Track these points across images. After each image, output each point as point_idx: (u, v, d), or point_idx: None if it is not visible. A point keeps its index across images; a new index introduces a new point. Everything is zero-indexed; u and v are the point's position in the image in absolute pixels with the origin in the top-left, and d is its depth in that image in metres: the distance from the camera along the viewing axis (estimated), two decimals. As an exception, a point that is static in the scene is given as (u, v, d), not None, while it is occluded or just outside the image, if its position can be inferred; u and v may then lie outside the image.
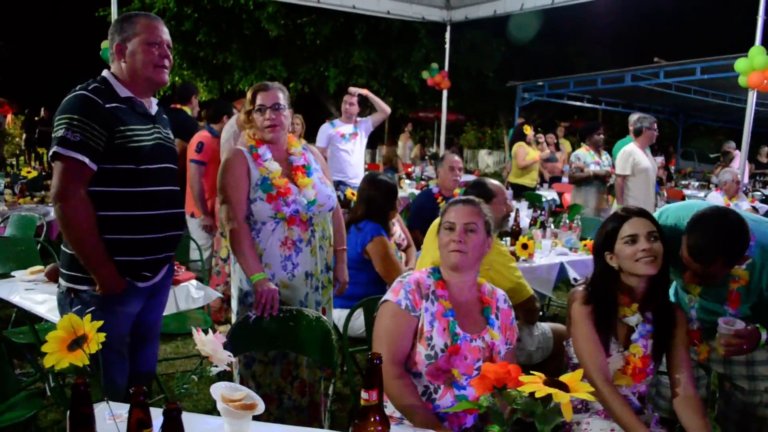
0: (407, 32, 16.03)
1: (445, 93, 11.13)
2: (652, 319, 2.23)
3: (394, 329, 2.09)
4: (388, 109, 6.42)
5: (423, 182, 9.57)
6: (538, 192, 9.00)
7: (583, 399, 2.14)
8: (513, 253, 3.96)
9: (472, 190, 3.42)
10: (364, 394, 1.36)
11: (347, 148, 6.22)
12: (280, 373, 2.81)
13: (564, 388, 1.32)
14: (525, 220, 5.58)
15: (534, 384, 1.32)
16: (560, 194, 9.52)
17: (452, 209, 2.24)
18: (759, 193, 9.30)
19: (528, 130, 9.01)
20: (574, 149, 8.23)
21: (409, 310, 2.10)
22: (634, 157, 6.34)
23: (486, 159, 25.89)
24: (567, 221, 5.09)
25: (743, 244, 2.15)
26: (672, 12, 20.30)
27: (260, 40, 16.35)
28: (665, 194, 10.46)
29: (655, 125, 6.53)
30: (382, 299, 2.19)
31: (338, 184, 5.91)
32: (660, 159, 13.33)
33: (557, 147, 11.46)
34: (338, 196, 5.63)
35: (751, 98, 8.54)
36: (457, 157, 5.25)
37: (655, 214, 2.42)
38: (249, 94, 2.82)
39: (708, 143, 19.95)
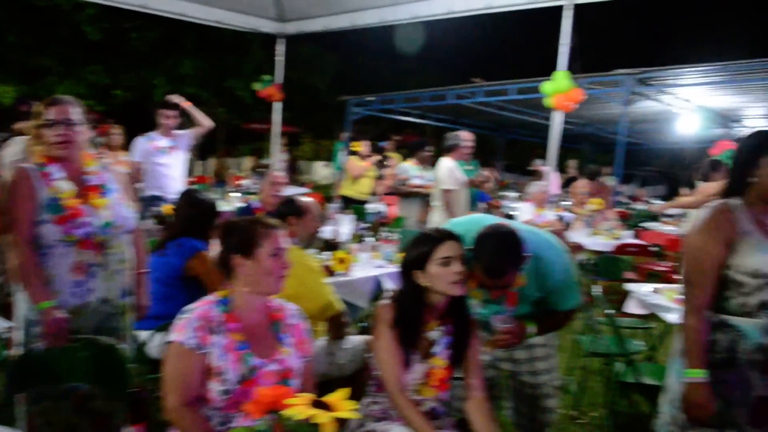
0: (240, 42, 15.80)
1: (278, 105, 11.07)
2: (452, 330, 2.37)
3: (182, 371, 1.99)
4: (208, 123, 6.24)
5: (249, 196, 9.44)
6: (369, 204, 9.20)
7: (385, 407, 2.31)
8: (328, 268, 4.02)
9: (283, 207, 3.43)
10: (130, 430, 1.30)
11: (165, 162, 5.97)
12: (72, 408, 2.62)
13: (328, 408, 1.36)
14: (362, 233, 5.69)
15: (298, 406, 1.34)
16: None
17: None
18: (566, 203, 10.19)
19: (358, 147, 9.18)
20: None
21: (196, 349, 2.00)
22: (455, 172, 6.69)
23: (322, 171, 26.10)
24: (388, 234, 5.26)
25: (522, 254, 2.36)
26: (492, 36, 21.75)
27: (79, 43, 15.33)
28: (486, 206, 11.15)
29: (468, 142, 6.91)
30: (168, 339, 2.06)
31: (155, 200, 5.66)
32: (486, 173, 14.21)
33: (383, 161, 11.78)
34: (156, 212, 5.44)
35: (556, 117, 9.38)
36: (280, 172, 5.23)
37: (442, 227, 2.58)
38: (38, 108, 2.63)
39: (528, 157, 21.67)
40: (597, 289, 4.13)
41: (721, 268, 2.27)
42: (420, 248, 2.31)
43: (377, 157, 10.43)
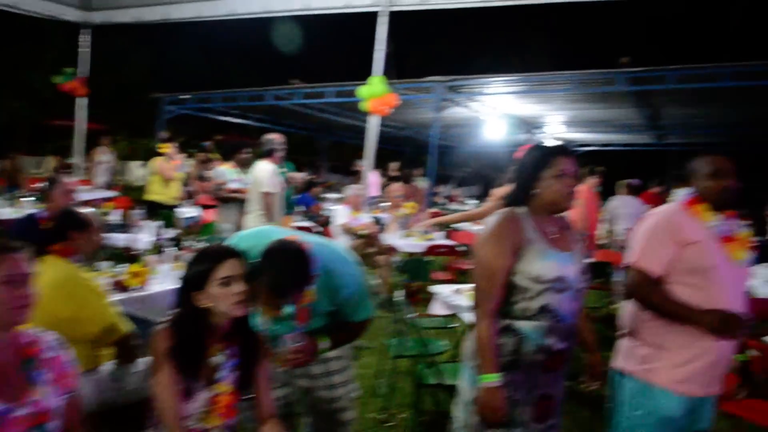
0: (38, 30, 14.38)
1: (82, 100, 10.22)
2: (237, 352, 2.23)
3: None
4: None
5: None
6: (182, 209, 8.74)
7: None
8: (121, 283, 3.71)
9: (62, 220, 3.08)
10: None
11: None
12: None
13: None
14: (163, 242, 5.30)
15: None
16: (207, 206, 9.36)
17: None
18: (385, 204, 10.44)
19: (166, 148, 8.67)
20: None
21: None
22: (275, 175, 6.51)
23: (137, 171, 24.53)
24: (192, 243, 4.98)
25: (310, 271, 2.28)
26: (313, 38, 21.77)
27: None
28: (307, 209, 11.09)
29: (282, 145, 6.76)
30: None
31: None
32: (302, 174, 14.17)
33: (206, 161, 11.34)
34: None
35: (373, 120, 9.56)
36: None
37: (232, 242, 2.44)
38: None
39: (353, 158, 22.02)
40: (400, 294, 4.19)
41: (508, 275, 2.37)
42: (198, 267, 2.14)
43: (194, 158, 9.98)
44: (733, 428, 4.07)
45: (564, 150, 2.48)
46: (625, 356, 2.67)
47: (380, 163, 16.78)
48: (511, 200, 2.52)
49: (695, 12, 20.68)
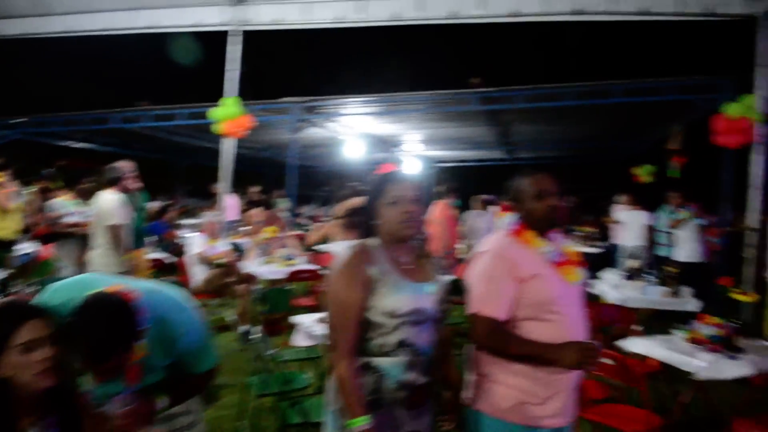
0: None
1: None
2: (55, 423, 1.91)
3: None
4: None
5: None
6: (19, 245, 7.90)
7: None
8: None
9: None
10: None
11: None
12: None
13: None
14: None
15: None
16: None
17: None
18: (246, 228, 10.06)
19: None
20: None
21: None
22: (122, 205, 6.01)
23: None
24: (23, 287, 4.44)
25: (135, 326, 2.01)
26: (162, 58, 20.89)
27: None
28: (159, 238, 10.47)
29: (131, 172, 6.29)
30: None
31: None
32: (157, 203, 13.46)
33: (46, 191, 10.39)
34: None
35: (228, 143, 9.23)
36: None
37: (45, 295, 2.13)
38: None
39: (211, 182, 21.23)
40: (257, 327, 3.96)
41: (362, 311, 2.24)
42: None
43: (21, 189, 9.07)
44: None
45: (396, 176, 2.37)
46: (475, 392, 2.51)
47: (241, 186, 16.33)
48: (362, 232, 2.40)
49: (542, 35, 22.05)
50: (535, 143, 15.07)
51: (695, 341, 4.08)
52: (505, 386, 2.40)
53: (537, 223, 2.51)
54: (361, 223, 2.42)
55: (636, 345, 4.30)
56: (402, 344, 2.25)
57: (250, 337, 3.90)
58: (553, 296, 2.41)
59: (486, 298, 2.41)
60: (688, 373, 3.85)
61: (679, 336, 4.27)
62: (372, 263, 2.27)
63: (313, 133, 12.20)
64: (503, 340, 2.39)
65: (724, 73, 7.94)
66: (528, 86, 8.72)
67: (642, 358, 4.30)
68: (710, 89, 8.17)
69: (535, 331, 2.40)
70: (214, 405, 5.03)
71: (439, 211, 8.95)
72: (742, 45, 7.62)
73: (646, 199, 10.29)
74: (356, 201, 5.22)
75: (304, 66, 26.85)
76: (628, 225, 10.03)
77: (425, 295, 2.32)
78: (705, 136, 7.61)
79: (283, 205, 10.40)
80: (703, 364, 3.76)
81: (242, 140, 13.91)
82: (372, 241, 2.35)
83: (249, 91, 9.27)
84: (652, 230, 9.60)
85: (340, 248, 2.48)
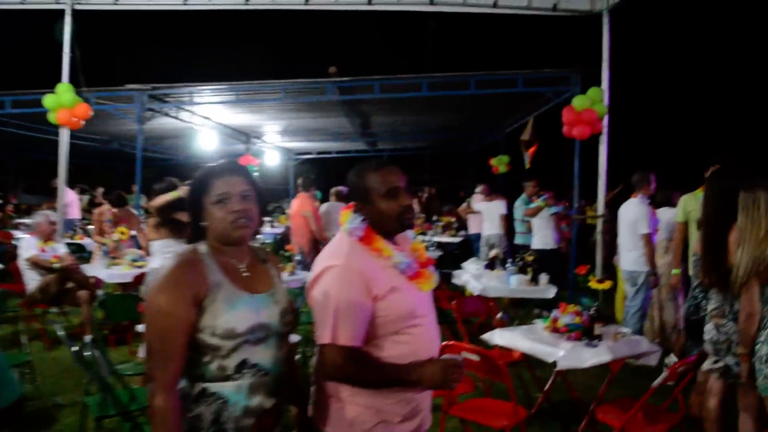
0: None
1: None
2: None
3: None
4: None
5: None
6: None
7: None
8: None
9: None
10: None
11: None
12: None
13: None
14: None
15: None
16: None
17: None
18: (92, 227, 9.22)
19: None
20: None
21: None
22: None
23: None
24: None
25: None
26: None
27: None
28: None
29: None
30: None
31: None
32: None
33: None
34: None
35: (64, 134, 8.35)
36: None
37: None
38: None
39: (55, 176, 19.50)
40: (90, 338, 3.48)
41: (192, 332, 1.88)
42: None
43: None
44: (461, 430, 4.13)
45: (222, 169, 2.04)
46: (325, 413, 2.20)
47: (89, 181, 15.10)
48: (191, 236, 2.06)
49: (397, 26, 22.23)
50: (394, 134, 15.12)
51: (555, 330, 4.09)
52: (361, 407, 2.12)
53: (386, 226, 2.20)
54: (177, 224, 2.09)
55: (499, 337, 4.26)
56: (244, 365, 1.93)
57: (86, 350, 3.41)
58: (411, 309, 2.15)
59: (340, 326, 2.05)
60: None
61: (540, 326, 4.28)
62: (202, 273, 1.93)
63: (165, 123, 11.42)
64: (359, 370, 2.08)
65: (573, 67, 8.25)
66: (384, 76, 8.60)
67: (506, 350, 4.28)
68: (560, 82, 8.47)
69: (393, 348, 2.13)
70: (49, 429, 4.48)
71: (300, 204, 8.67)
72: (590, 40, 7.95)
73: (503, 189, 10.59)
74: (167, 197, 4.77)
75: (155, 52, 25.35)
76: (486, 214, 10.23)
77: (267, 308, 2.01)
78: (557, 127, 7.88)
79: (133, 201, 9.63)
80: (563, 353, 3.76)
81: (86, 131, 12.86)
82: (201, 247, 2.01)
83: (82, 78, 8.41)
84: (508, 219, 9.86)
85: (156, 249, 2.11)
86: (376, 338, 2.11)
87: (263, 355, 1.97)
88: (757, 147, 17.39)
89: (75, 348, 3.46)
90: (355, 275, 2.06)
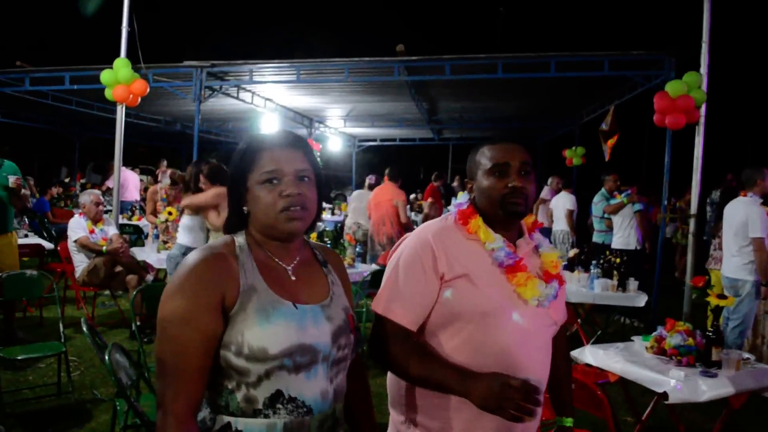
0: None
1: None
2: None
3: None
4: None
5: None
6: None
7: None
8: None
9: None
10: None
11: None
12: None
13: None
14: None
15: None
16: None
17: None
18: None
19: None
20: None
21: None
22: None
23: None
24: None
25: None
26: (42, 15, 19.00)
27: None
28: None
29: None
30: None
31: None
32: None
33: None
34: None
35: (120, 111, 8.04)
36: None
37: None
38: None
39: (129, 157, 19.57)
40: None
41: (212, 348, 1.42)
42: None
43: None
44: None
45: (275, 139, 1.56)
46: None
47: (157, 163, 15.01)
48: (227, 225, 1.59)
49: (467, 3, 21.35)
50: (461, 121, 14.46)
51: (661, 352, 3.41)
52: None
53: (489, 209, 1.81)
54: (230, 210, 1.58)
55: (591, 356, 3.60)
56: (278, 398, 1.44)
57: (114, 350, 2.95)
58: (488, 309, 1.72)
59: (394, 298, 1.77)
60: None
61: (639, 344, 3.61)
62: (231, 272, 1.45)
63: (225, 104, 11.10)
64: (406, 354, 1.73)
65: (667, 49, 7.41)
66: (456, 56, 7.94)
67: (599, 370, 3.61)
68: (651, 66, 7.65)
69: (456, 353, 1.74)
70: (81, 428, 4.11)
71: (389, 193, 8.17)
72: (687, 20, 7.09)
73: (579, 182, 9.85)
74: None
75: (216, 34, 25.27)
76: (556, 209, 9.56)
77: (316, 324, 1.50)
78: (641, 116, 7.11)
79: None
80: (677, 384, 3.08)
81: (147, 110, 12.70)
82: (238, 238, 1.54)
83: (153, 55, 8.12)
84: (577, 215, 9.17)
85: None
86: (435, 334, 1.78)
87: (306, 388, 1.46)
88: None
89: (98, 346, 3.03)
90: (425, 247, 1.76)
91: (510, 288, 1.76)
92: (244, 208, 1.52)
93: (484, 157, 1.82)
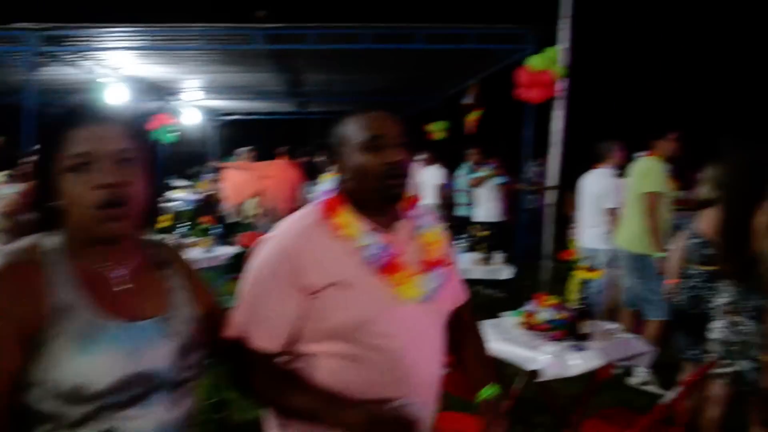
0: None
1: None
2: None
3: None
4: None
5: None
6: None
7: None
8: None
9: None
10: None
11: None
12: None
13: None
14: None
15: None
16: None
17: None
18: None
19: None
20: None
21: None
22: None
23: None
24: None
25: None
26: None
27: None
28: None
29: None
30: None
31: None
32: None
33: None
34: None
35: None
36: None
37: None
38: None
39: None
40: None
41: (14, 390, 1.09)
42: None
43: None
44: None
45: (84, 114, 1.22)
46: None
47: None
48: (31, 224, 1.22)
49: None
50: (327, 94, 14.15)
51: (532, 327, 3.36)
52: None
53: (363, 192, 1.57)
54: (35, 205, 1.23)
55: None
56: None
57: None
58: (363, 318, 1.50)
59: (250, 320, 1.53)
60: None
61: (510, 321, 3.54)
62: (36, 289, 1.11)
63: (67, 73, 10.06)
64: (271, 383, 1.52)
65: (530, 24, 7.51)
66: (320, 24, 7.61)
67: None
68: (515, 39, 7.73)
69: (330, 372, 1.52)
70: None
71: (291, 171, 7.79)
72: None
73: (444, 156, 9.90)
74: None
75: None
76: (424, 184, 9.58)
77: (152, 344, 1.20)
78: (502, 90, 7.19)
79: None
80: (547, 359, 3.03)
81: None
82: (47, 242, 1.19)
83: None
84: (447, 189, 9.22)
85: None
86: (306, 353, 1.55)
87: (140, 422, 1.16)
88: (727, 114, 16.70)
89: None
90: (283, 258, 1.51)
91: (389, 289, 1.52)
92: (56, 202, 1.17)
93: (353, 130, 1.57)
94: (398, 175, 1.52)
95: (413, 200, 1.72)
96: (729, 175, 3.17)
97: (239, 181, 8.44)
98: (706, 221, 3.36)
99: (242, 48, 8.26)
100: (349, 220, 1.54)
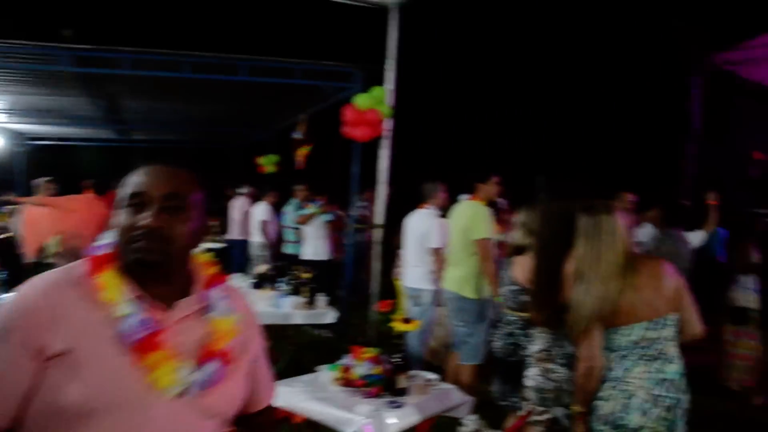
0: None
1: None
2: None
3: None
4: None
5: None
6: None
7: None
8: None
9: None
10: None
11: None
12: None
13: None
14: None
15: None
16: None
17: None
18: None
19: None
20: None
21: None
22: None
23: None
24: None
25: None
26: None
27: None
28: None
29: None
30: None
31: None
32: None
33: None
34: None
35: None
36: None
37: None
38: None
39: None
40: None
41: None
42: None
43: None
44: None
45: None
46: None
47: None
48: None
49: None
50: (150, 123, 13.33)
51: (349, 383, 3.16)
52: None
53: (121, 255, 1.31)
54: None
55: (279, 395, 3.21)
56: None
57: None
58: (97, 405, 1.19)
59: None
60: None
61: (326, 376, 3.32)
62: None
63: None
64: None
65: (356, 62, 7.50)
66: (137, 49, 7.05)
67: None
68: (341, 78, 7.68)
69: None
70: None
71: (96, 205, 6.92)
72: (375, 35, 7.24)
73: (275, 191, 9.63)
74: None
75: None
76: (250, 219, 9.24)
77: None
78: (332, 126, 7.10)
79: None
80: (364, 420, 2.83)
81: None
82: None
83: None
84: (275, 225, 8.95)
85: None
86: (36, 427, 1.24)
87: None
88: (547, 153, 17.61)
89: None
90: (25, 312, 1.24)
91: (138, 372, 1.23)
92: None
93: (125, 184, 1.35)
94: (147, 240, 1.26)
95: (218, 277, 1.45)
96: (539, 223, 3.21)
97: (37, 218, 7.51)
98: (520, 268, 3.38)
99: (48, 69, 7.46)
100: (113, 283, 1.27)
